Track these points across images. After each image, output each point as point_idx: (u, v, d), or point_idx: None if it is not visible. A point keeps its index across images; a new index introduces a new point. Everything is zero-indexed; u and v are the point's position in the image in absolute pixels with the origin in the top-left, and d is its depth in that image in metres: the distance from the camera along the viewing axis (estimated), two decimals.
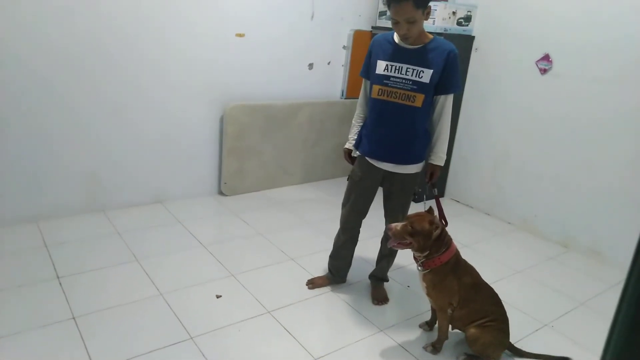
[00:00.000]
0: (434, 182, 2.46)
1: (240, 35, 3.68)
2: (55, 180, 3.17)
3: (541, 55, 3.58)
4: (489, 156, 4.05)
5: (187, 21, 3.40)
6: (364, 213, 2.61)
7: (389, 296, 2.72)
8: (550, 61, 3.54)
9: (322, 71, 4.31)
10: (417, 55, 2.24)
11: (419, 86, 2.24)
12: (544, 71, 3.60)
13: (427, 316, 2.56)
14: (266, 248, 3.13)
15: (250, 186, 4.03)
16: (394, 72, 2.27)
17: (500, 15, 3.85)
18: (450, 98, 2.33)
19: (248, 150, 3.93)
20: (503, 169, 3.96)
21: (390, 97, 2.30)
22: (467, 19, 3.97)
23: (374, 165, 2.44)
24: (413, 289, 2.83)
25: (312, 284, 2.76)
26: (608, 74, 3.25)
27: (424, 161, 2.44)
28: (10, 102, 2.90)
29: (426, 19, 2.16)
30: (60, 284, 2.52)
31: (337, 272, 2.77)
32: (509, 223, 3.94)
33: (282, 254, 3.06)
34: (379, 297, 2.69)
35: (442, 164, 2.43)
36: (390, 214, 2.56)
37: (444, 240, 2.14)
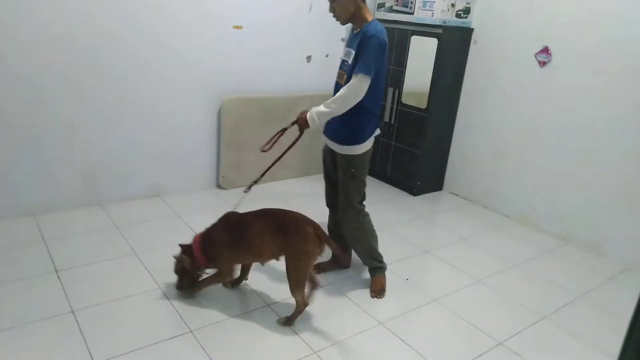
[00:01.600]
0: (293, 123, 2.52)
1: (238, 28, 3.66)
2: (53, 173, 3.15)
3: (540, 48, 3.57)
4: (488, 149, 4.05)
5: (186, 14, 3.37)
6: (334, 188, 2.69)
7: (388, 289, 2.72)
8: (550, 54, 3.53)
9: (320, 64, 4.29)
10: (354, 39, 2.41)
11: (349, 68, 2.39)
12: (543, 64, 3.59)
13: (428, 309, 2.57)
14: None
15: (248, 179, 3.95)
16: (345, 56, 2.49)
17: (499, 7, 3.83)
18: (357, 78, 2.26)
19: (246, 143, 3.91)
20: (502, 162, 3.96)
21: (339, 79, 2.52)
22: (466, 11, 3.95)
23: (326, 143, 2.66)
24: (412, 282, 2.84)
25: (318, 268, 2.78)
26: (610, 66, 3.24)
27: (353, 145, 2.46)
28: (9, 95, 2.87)
29: (353, 3, 2.31)
30: (58, 277, 2.51)
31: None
32: (507, 216, 3.94)
33: None
34: (376, 288, 2.70)
35: (310, 122, 2.37)
36: (340, 195, 2.62)
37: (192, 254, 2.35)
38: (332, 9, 2.36)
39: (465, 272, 3.00)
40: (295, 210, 2.37)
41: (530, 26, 3.62)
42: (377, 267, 2.74)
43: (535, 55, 3.61)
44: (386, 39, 2.33)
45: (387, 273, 2.77)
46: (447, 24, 3.85)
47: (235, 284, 2.58)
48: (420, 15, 3.91)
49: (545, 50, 3.55)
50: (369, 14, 2.40)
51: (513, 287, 2.88)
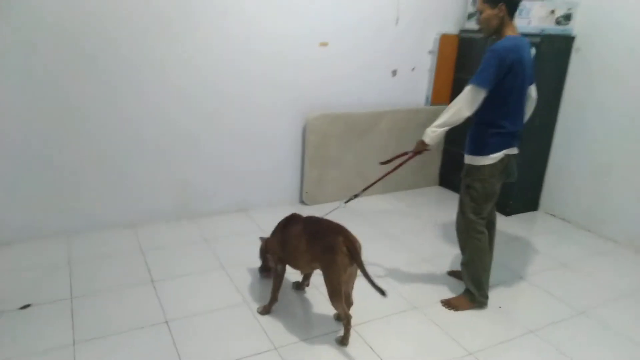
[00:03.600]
0: (412, 152, 2.58)
1: (324, 44, 3.69)
2: (150, 187, 3.38)
3: None
4: (590, 166, 3.70)
5: (273, 32, 3.47)
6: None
7: (478, 316, 2.55)
8: None
9: (406, 77, 4.21)
10: None
11: None
12: None
13: (523, 341, 2.38)
14: None
15: (330, 195, 4.02)
16: None
17: (604, 12, 3.50)
18: (466, 89, 2.29)
19: (329, 159, 3.92)
20: (606, 181, 3.59)
21: None
22: (567, 17, 3.66)
23: None
24: (505, 310, 2.64)
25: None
26: None
27: (473, 155, 2.47)
28: (112, 114, 3.13)
29: (496, 18, 2.32)
30: (154, 287, 2.66)
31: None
32: (613, 241, 3.56)
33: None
34: (453, 302, 2.65)
35: (425, 139, 2.42)
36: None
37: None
38: (478, 21, 2.42)
39: (566, 301, 2.73)
40: (339, 223, 2.32)
41: None
42: (471, 290, 2.62)
43: None
44: (512, 55, 2.26)
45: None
46: (546, 31, 3.59)
47: (296, 288, 2.71)
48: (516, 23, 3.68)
49: None
50: (510, 31, 2.36)
51: (622, 321, 2.57)
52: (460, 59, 4.22)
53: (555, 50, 3.68)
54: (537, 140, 3.90)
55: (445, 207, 4.07)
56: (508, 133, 2.42)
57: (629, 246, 3.46)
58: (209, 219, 3.57)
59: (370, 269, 2.19)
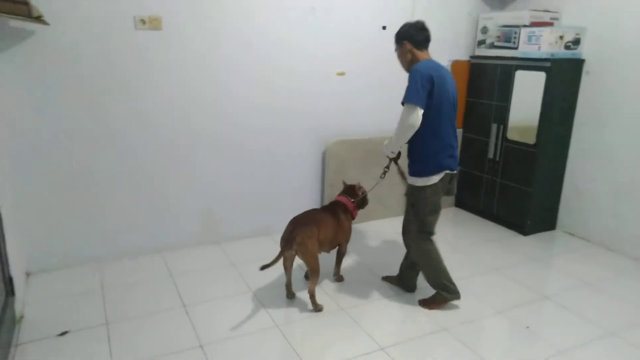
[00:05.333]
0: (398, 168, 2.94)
1: (341, 74, 3.82)
2: (176, 214, 3.46)
3: None
4: (608, 184, 3.74)
5: (292, 63, 3.61)
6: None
7: (507, 336, 2.57)
8: None
9: None
10: None
11: None
12: None
13: None
14: (370, 282, 3.12)
15: None
16: None
17: (613, 35, 3.61)
18: (403, 109, 2.50)
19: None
20: (627, 199, 3.63)
21: None
22: (576, 42, 3.78)
23: None
24: (533, 330, 2.65)
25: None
26: None
27: (413, 176, 2.67)
28: (140, 148, 3.24)
29: (407, 53, 2.64)
30: (186, 312, 2.70)
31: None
32: (637, 259, 3.57)
33: (387, 288, 3.03)
34: (428, 302, 2.80)
35: (384, 151, 2.79)
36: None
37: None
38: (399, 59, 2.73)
39: (594, 322, 2.74)
40: (311, 220, 2.83)
41: None
42: (438, 292, 2.80)
43: None
44: (431, 71, 2.48)
45: (503, 320, 2.73)
46: (556, 56, 3.70)
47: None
48: (526, 49, 3.80)
49: None
50: (424, 57, 2.62)
51: None
52: (472, 84, 4.33)
53: (566, 73, 3.78)
54: (552, 159, 3.97)
55: (462, 227, 4.11)
56: (445, 153, 2.60)
57: None
58: (234, 243, 3.63)
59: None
